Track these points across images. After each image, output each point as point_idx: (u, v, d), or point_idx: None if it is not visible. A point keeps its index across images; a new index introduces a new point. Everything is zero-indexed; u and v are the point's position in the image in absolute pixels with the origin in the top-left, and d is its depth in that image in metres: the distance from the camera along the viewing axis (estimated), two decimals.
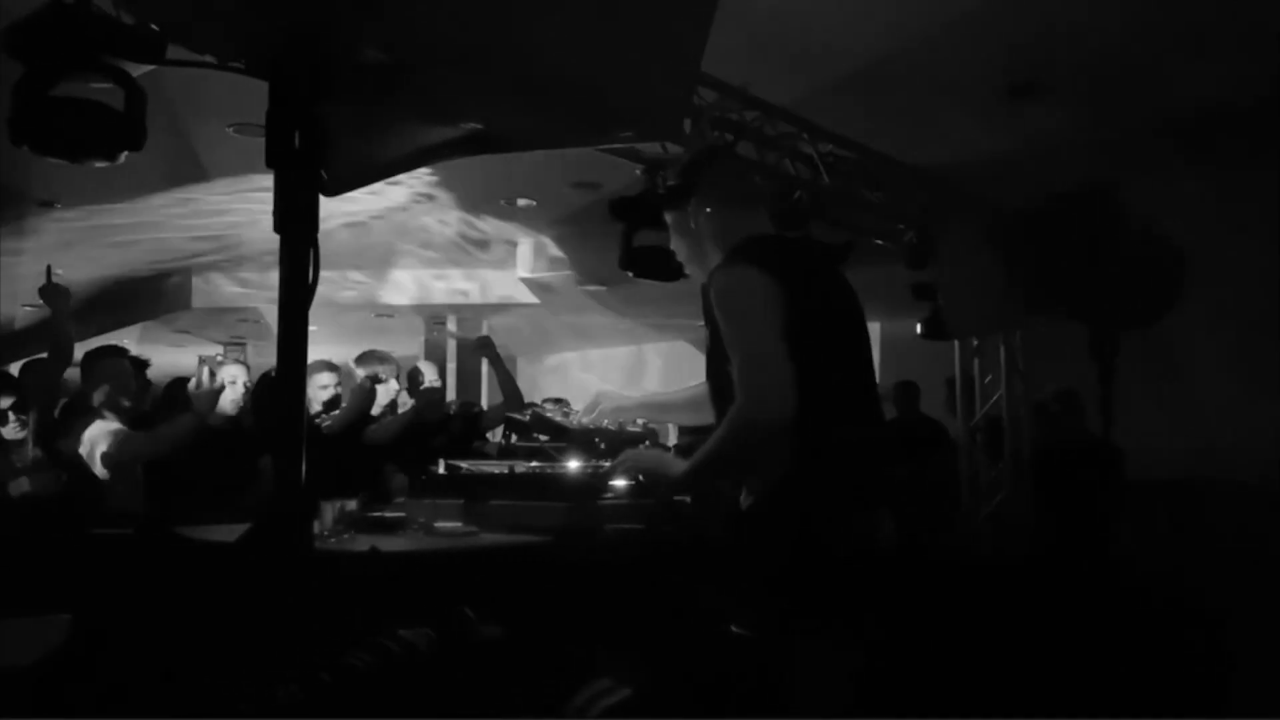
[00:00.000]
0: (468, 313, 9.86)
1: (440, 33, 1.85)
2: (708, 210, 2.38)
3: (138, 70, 2.51)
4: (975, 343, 5.91)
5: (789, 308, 2.16)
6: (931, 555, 4.25)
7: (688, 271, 2.56)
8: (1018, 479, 5.66)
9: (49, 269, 4.04)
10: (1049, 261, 5.12)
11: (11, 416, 3.60)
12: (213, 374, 3.97)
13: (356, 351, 5.40)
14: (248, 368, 4.69)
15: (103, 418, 4.13)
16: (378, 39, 1.81)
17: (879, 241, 5.29)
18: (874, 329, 2.54)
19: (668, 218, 2.48)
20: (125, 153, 2.54)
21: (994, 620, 4.04)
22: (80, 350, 4.52)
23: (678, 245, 2.48)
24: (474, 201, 7.04)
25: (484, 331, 10.04)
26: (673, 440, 5.11)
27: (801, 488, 2.16)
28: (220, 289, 8.89)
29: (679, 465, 2.28)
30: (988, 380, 5.90)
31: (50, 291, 4.15)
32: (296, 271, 1.69)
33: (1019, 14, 4.34)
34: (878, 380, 2.56)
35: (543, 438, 3.83)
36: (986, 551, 5.28)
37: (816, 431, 2.16)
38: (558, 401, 5.05)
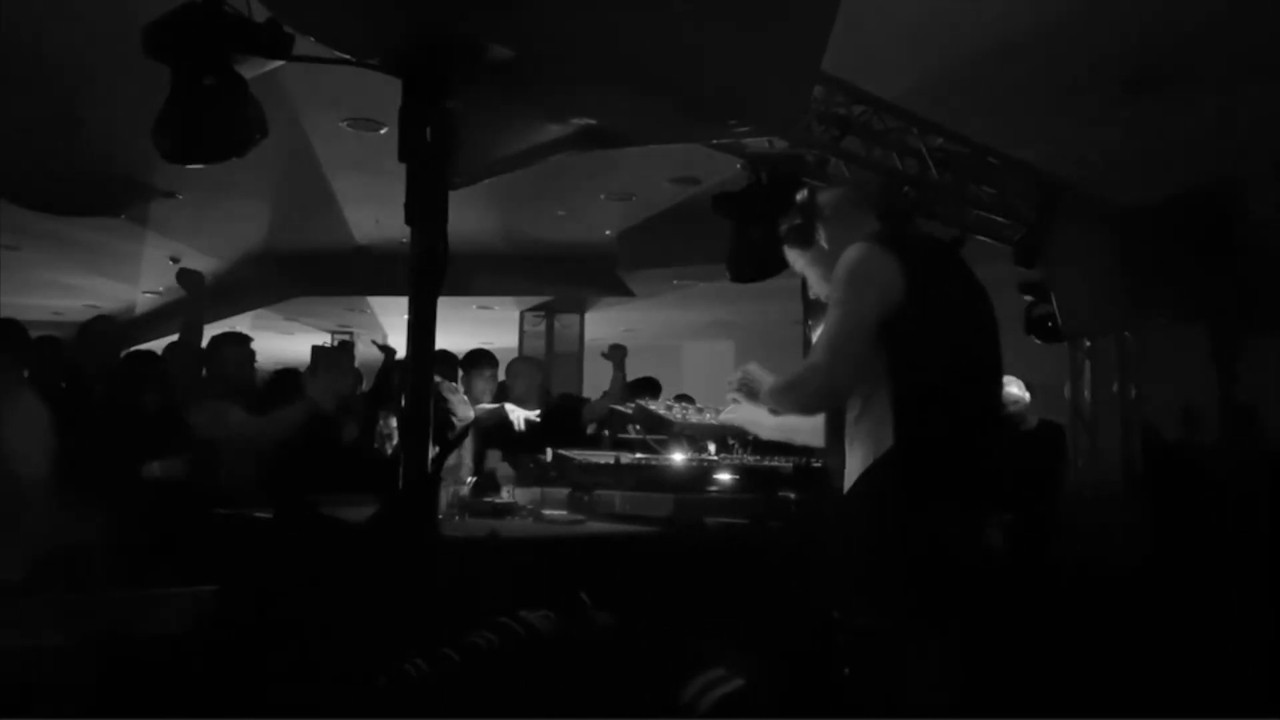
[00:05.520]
0: (564, 306, 9.97)
1: (565, 32, 1.89)
2: (839, 231, 2.42)
3: (262, 66, 2.61)
4: (1087, 344, 5.73)
5: (909, 291, 2.18)
6: (1043, 557, 4.17)
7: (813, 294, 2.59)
8: (1129, 483, 5.48)
9: (175, 261, 4.27)
10: (1167, 262, 4.94)
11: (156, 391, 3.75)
12: (326, 361, 4.10)
13: (458, 342, 5.55)
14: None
15: (222, 401, 4.30)
16: (505, 37, 1.86)
17: (987, 238, 5.16)
18: None
19: (794, 256, 2.53)
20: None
21: (1099, 623, 3.96)
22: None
23: (812, 275, 2.52)
24: (573, 195, 7.11)
25: (580, 325, 10.20)
26: None
27: (899, 474, 2.17)
28: (328, 278, 9.15)
29: (770, 383, 2.45)
30: (1099, 382, 5.71)
31: (186, 277, 4.35)
32: (426, 261, 1.75)
33: (1136, 5, 4.20)
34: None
35: (637, 429, 3.85)
36: (1095, 555, 5.14)
37: (921, 418, 2.17)
38: (681, 398, 5.06)
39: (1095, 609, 3.96)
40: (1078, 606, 3.88)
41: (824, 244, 2.46)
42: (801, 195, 2.61)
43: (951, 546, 2.12)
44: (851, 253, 2.26)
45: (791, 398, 2.37)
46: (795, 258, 2.57)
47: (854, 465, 2.25)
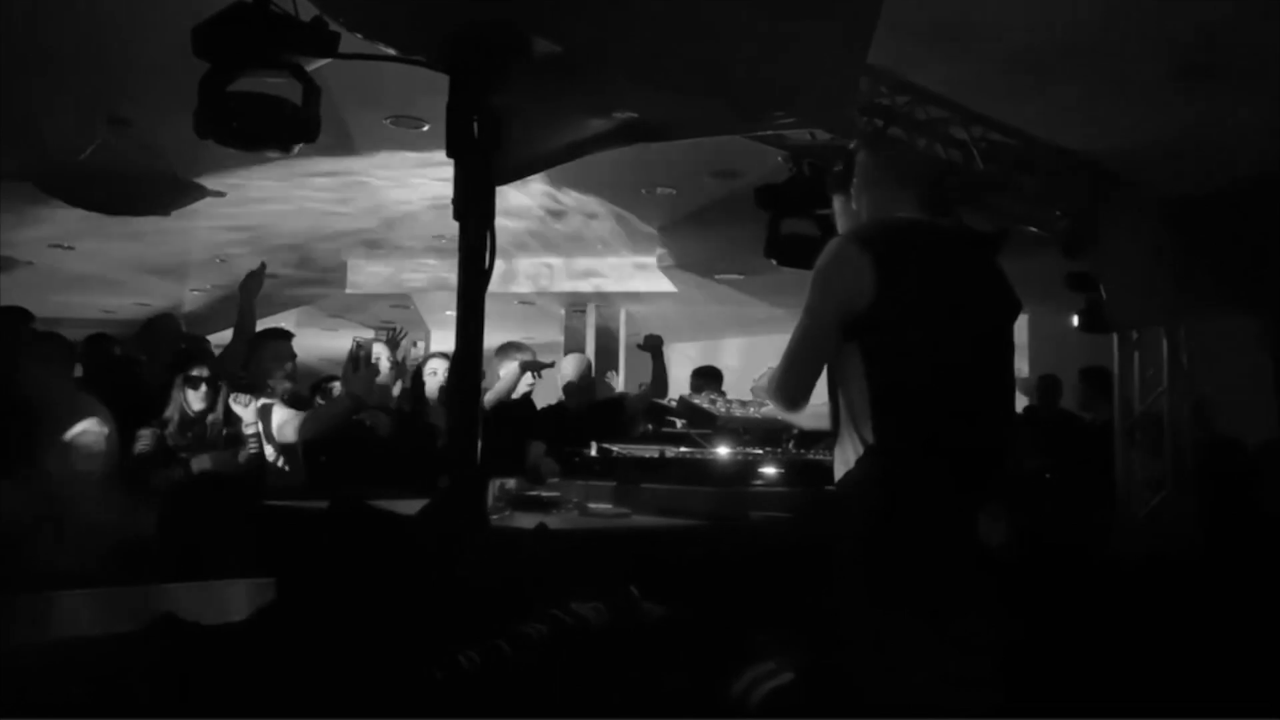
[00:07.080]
0: (606, 300, 9.98)
1: (609, 26, 1.89)
2: (869, 192, 2.41)
3: (309, 64, 2.64)
4: (1135, 336, 5.62)
5: (879, 290, 2.15)
6: (1066, 552, 4.12)
7: None
8: (1179, 477, 5.38)
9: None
10: (1218, 252, 4.85)
11: (204, 387, 3.81)
12: (367, 357, 4.14)
13: (500, 337, 5.57)
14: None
15: (265, 397, 4.37)
16: (550, 32, 1.86)
17: (1034, 229, 5.09)
18: (1020, 319, 2.49)
19: (834, 202, 2.53)
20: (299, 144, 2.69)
21: (1120, 618, 3.91)
22: None
23: (841, 226, 2.52)
24: (614, 189, 7.11)
25: (621, 319, 10.21)
26: None
27: (876, 474, 2.16)
28: (373, 275, 9.25)
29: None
30: (1149, 375, 5.60)
31: (248, 279, 4.59)
32: (474, 256, 1.76)
33: None
34: (1021, 373, 2.52)
35: (680, 423, 3.85)
36: (1143, 550, 5.06)
37: (898, 418, 2.16)
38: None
39: (1108, 605, 3.91)
40: (1089, 602, 3.83)
41: (853, 202, 2.47)
42: (853, 144, 2.63)
43: (929, 545, 2.12)
44: (826, 250, 2.27)
45: (767, 398, 2.50)
46: (834, 204, 2.60)
47: (839, 464, 2.25)
